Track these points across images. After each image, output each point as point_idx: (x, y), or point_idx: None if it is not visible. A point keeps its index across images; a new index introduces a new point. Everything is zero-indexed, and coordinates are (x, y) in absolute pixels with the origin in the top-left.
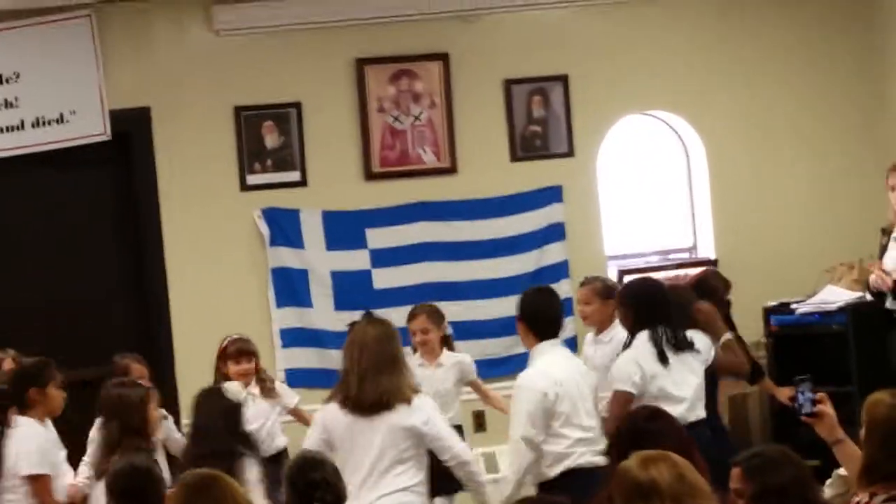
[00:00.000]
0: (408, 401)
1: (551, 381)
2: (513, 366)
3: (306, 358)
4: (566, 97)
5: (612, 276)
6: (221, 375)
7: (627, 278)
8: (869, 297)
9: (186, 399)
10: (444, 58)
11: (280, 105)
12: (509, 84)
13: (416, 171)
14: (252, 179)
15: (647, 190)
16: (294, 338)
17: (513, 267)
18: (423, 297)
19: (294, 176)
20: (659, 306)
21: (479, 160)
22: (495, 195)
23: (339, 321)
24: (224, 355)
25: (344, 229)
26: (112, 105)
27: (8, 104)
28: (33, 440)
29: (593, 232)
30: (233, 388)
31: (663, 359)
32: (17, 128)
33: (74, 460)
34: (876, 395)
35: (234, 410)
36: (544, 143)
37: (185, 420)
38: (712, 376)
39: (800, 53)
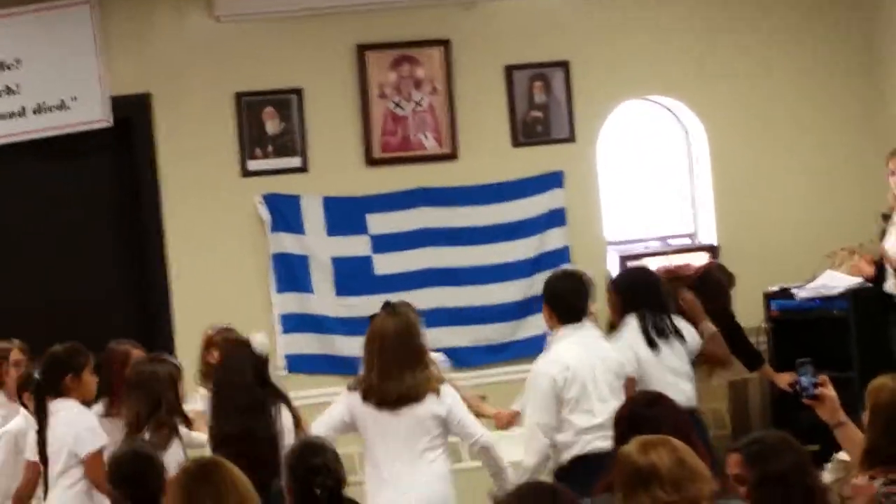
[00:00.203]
0: (436, 392)
1: (562, 366)
2: (513, 352)
3: (307, 344)
4: (567, 83)
5: (613, 261)
6: (206, 365)
7: (629, 264)
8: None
9: (187, 383)
10: (445, 44)
11: (281, 91)
12: (510, 70)
13: (418, 157)
14: (253, 165)
15: (648, 176)
16: (295, 323)
17: (513, 252)
18: (423, 283)
19: (295, 162)
20: (647, 292)
21: (480, 146)
22: (496, 181)
23: (339, 307)
24: (210, 344)
25: (345, 215)
26: (113, 91)
27: (9, 91)
28: (84, 419)
29: (594, 217)
30: (258, 340)
31: (652, 344)
32: (19, 114)
33: None
34: (879, 379)
35: (261, 362)
36: (545, 129)
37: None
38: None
39: (801, 39)
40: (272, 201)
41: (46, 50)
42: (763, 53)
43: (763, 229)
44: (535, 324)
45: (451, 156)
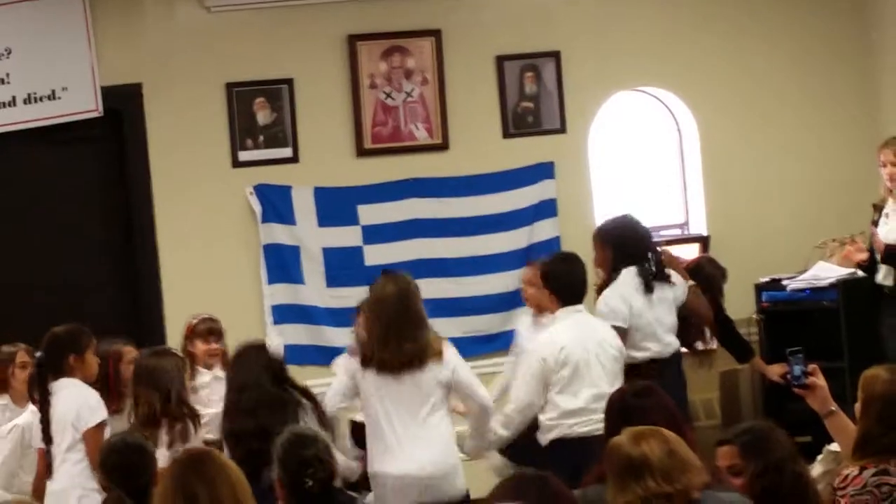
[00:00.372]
0: (439, 355)
1: (555, 347)
2: (503, 342)
3: (298, 334)
4: (558, 73)
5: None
6: (188, 355)
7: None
8: (861, 272)
9: None
10: (436, 34)
11: (272, 81)
12: (501, 60)
13: (408, 148)
14: (244, 156)
15: (639, 167)
16: (286, 314)
17: (504, 243)
18: (414, 274)
19: (286, 152)
20: (641, 241)
21: (471, 136)
22: (487, 171)
23: (330, 298)
24: (192, 334)
25: (336, 205)
26: (104, 82)
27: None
28: (86, 395)
29: (585, 208)
30: (274, 341)
31: (649, 289)
32: (9, 104)
33: None
34: (872, 370)
35: (277, 363)
36: (536, 120)
37: None
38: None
39: (792, 29)
40: (263, 192)
41: (37, 40)
42: (754, 44)
43: (754, 220)
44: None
45: (442, 146)
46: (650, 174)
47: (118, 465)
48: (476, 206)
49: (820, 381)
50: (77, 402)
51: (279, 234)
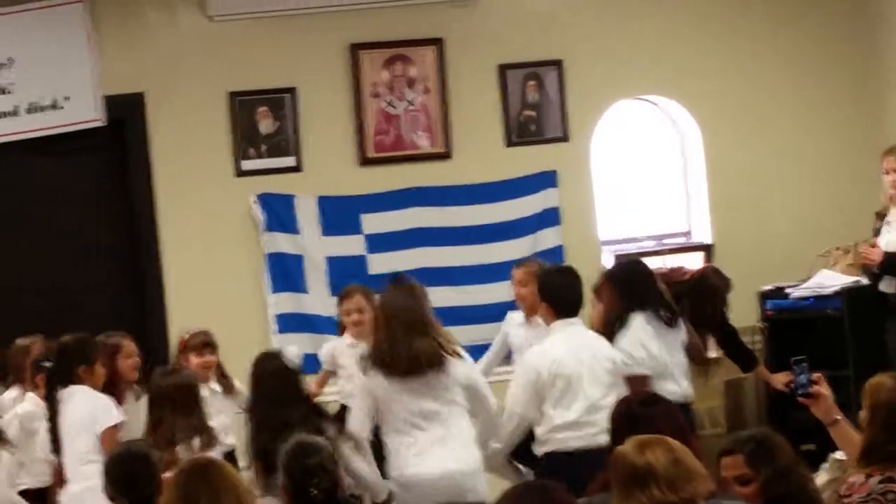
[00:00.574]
0: (456, 354)
1: (549, 360)
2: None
3: (301, 343)
4: (561, 82)
5: (608, 261)
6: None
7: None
8: (865, 280)
9: None
10: (438, 43)
11: (274, 90)
12: (504, 69)
13: (411, 157)
14: (247, 165)
15: (642, 175)
16: (289, 323)
17: (507, 252)
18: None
19: (289, 161)
20: (647, 287)
21: (473, 145)
22: (490, 180)
23: (334, 307)
24: (186, 348)
25: (339, 214)
26: (106, 91)
27: (2, 90)
28: (99, 398)
29: (588, 217)
30: (291, 351)
31: (661, 333)
32: (11, 114)
33: None
34: (878, 378)
35: (295, 374)
36: (539, 128)
37: None
38: None
39: (795, 37)
40: (266, 201)
41: (40, 49)
42: (757, 52)
43: (757, 228)
44: None
45: (445, 155)
46: (653, 183)
47: (122, 474)
48: (479, 214)
49: (824, 389)
50: (91, 405)
51: (282, 243)
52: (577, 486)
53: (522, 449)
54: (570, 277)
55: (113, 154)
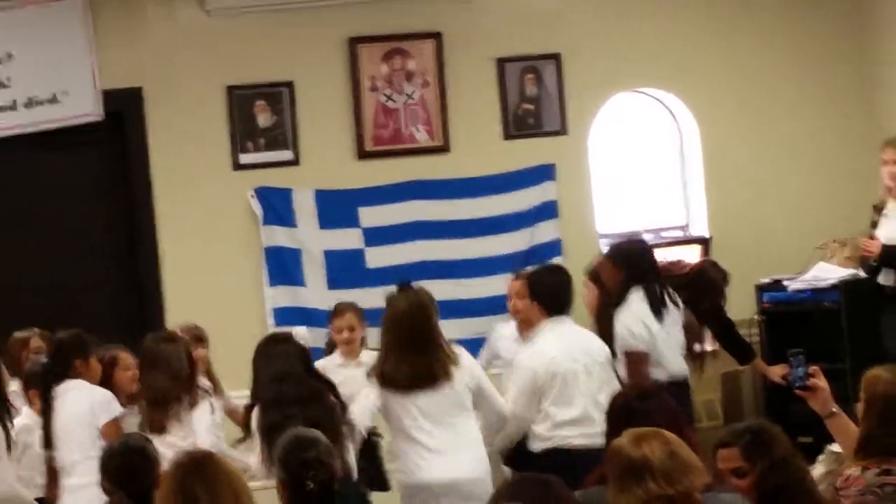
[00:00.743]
0: (456, 363)
1: (545, 358)
2: None
3: (299, 337)
4: (559, 75)
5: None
6: None
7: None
8: (863, 273)
9: None
10: (436, 36)
11: (272, 84)
12: (502, 62)
13: (409, 150)
14: (245, 159)
15: (640, 168)
16: (287, 317)
17: (505, 245)
18: (416, 276)
19: (287, 155)
20: (650, 264)
21: (471, 139)
22: (488, 174)
23: (331, 300)
24: None
25: (337, 208)
26: (104, 85)
27: (0, 84)
28: (97, 390)
29: (586, 210)
30: (300, 332)
31: (659, 315)
32: (10, 108)
33: None
34: (874, 371)
35: (306, 354)
36: (537, 122)
37: None
38: None
39: (792, 30)
40: (264, 194)
41: (38, 44)
42: (754, 45)
43: (755, 221)
44: None
45: (443, 148)
46: (651, 176)
47: (120, 467)
48: (477, 208)
49: (821, 382)
50: (90, 399)
51: (280, 236)
52: (576, 486)
53: (510, 451)
54: (560, 276)
55: (111, 148)
